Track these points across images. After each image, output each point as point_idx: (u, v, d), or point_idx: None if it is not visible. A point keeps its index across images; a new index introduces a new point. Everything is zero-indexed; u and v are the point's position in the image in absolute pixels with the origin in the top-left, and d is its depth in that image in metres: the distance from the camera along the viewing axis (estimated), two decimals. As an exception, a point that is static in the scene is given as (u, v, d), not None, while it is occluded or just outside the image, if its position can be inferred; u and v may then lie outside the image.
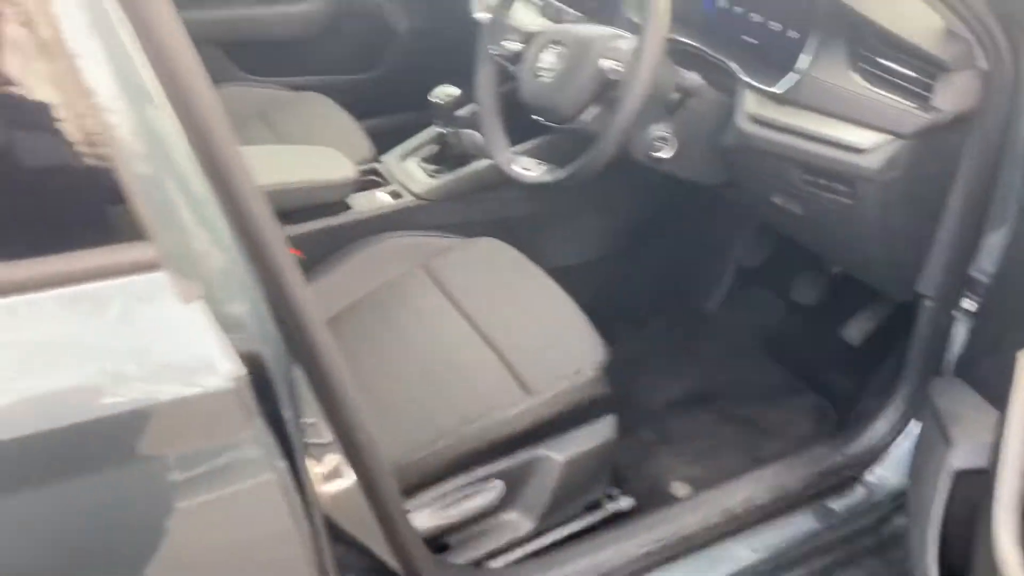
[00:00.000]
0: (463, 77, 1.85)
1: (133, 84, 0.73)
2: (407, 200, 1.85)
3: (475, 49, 1.59)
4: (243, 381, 0.74)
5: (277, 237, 0.82)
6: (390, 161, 1.97)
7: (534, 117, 1.49)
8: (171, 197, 0.74)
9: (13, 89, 0.74)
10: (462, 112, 1.86)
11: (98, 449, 0.72)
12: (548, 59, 1.42)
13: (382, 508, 1.03)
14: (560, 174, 1.43)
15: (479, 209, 1.88)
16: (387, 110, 2.35)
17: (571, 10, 1.66)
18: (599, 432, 1.41)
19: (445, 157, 1.90)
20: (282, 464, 0.80)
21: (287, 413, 0.84)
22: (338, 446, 0.96)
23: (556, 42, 1.42)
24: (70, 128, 0.73)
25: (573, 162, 1.40)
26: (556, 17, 1.68)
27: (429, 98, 1.82)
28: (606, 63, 1.33)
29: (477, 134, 1.87)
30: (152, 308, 0.72)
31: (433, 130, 1.91)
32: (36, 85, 0.75)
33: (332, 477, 0.97)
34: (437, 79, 1.89)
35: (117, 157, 0.72)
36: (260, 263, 0.82)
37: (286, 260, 0.83)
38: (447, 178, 1.87)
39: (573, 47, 1.39)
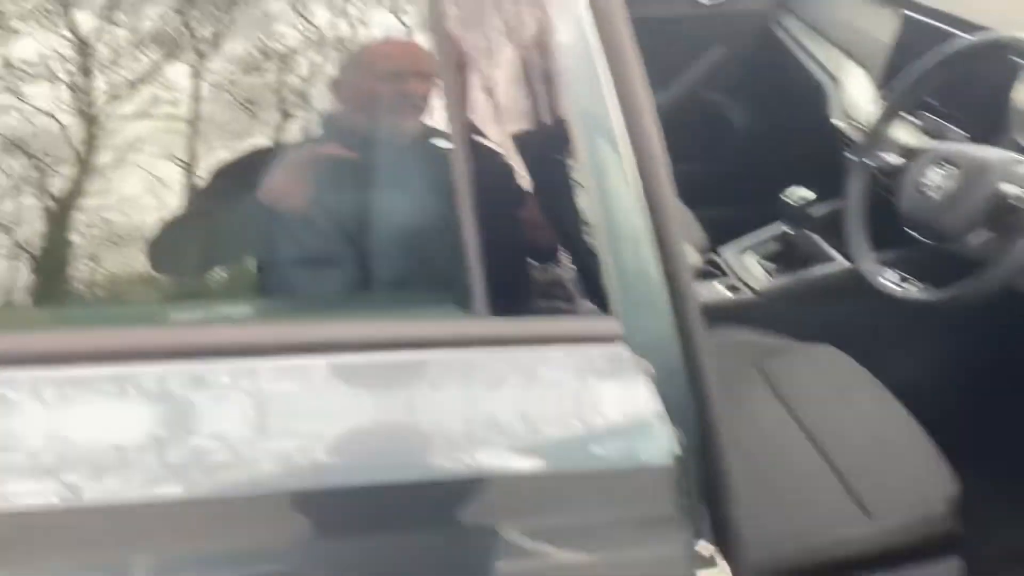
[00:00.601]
0: (803, 178, 1.85)
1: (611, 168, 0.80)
2: (745, 295, 1.86)
3: (823, 153, 1.57)
4: (678, 460, 0.77)
5: (701, 321, 0.86)
6: (728, 253, 1.99)
7: (907, 230, 1.46)
8: (632, 278, 0.80)
9: (479, 140, 0.85)
10: (812, 214, 1.85)
11: (520, 501, 0.77)
12: (934, 176, 1.39)
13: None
14: (938, 294, 1.38)
15: (816, 314, 1.84)
16: (718, 202, 2.38)
17: (956, 128, 1.61)
18: (941, 573, 1.32)
19: (786, 257, 1.90)
20: (691, 541, 0.83)
21: (692, 498, 0.86)
22: (711, 535, 0.97)
23: (946, 160, 1.39)
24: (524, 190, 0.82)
25: (953, 283, 1.35)
26: (938, 134, 1.63)
27: (781, 197, 1.83)
28: (1009, 188, 1.27)
29: (822, 239, 1.85)
30: (609, 379, 0.78)
31: (777, 228, 1.92)
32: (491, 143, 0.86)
33: (703, 565, 0.98)
34: (774, 177, 1.90)
35: (589, 233, 0.79)
36: (688, 349, 0.85)
37: (707, 344, 0.87)
38: (787, 278, 1.86)
39: (967, 167, 1.35)
